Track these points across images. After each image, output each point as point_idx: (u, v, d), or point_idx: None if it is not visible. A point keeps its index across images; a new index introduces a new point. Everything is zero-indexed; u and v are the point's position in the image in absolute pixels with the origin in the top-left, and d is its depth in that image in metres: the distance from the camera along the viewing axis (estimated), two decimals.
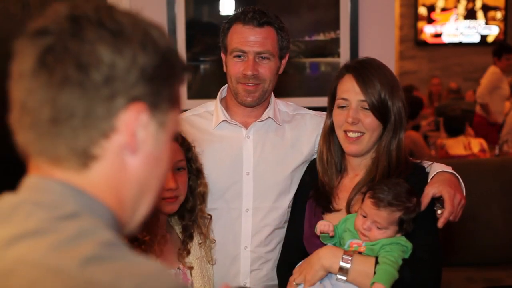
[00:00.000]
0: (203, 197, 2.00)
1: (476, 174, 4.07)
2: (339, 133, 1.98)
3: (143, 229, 1.81)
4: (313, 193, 2.05)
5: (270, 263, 2.19)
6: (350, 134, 1.94)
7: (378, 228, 1.80)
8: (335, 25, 3.60)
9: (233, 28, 2.11)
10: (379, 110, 1.90)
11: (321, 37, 3.64)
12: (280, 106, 2.28)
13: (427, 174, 1.95)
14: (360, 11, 3.59)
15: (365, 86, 1.90)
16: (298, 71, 3.65)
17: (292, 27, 3.63)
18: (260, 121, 2.19)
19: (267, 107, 2.21)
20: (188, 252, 1.95)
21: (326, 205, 2.00)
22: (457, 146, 5.36)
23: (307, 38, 3.64)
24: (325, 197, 2.01)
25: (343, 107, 1.95)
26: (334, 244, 1.88)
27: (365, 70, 1.93)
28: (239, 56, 2.09)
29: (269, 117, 2.19)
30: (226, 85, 2.24)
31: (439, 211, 1.87)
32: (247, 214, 2.15)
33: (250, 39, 2.07)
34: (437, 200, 1.89)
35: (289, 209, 2.18)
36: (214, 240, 2.10)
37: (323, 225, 1.86)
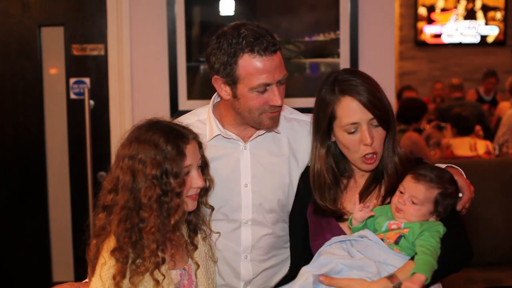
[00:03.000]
0: (206, 191, 1.98)
1: (476, 174, 4.06)
2: (356, 157, 1.93)
3: (173, 230, 1.81)
4: (316, 208, 1.99)
5: (270, 271, 2.17)
6: (368, 156, 1.92)
7: (414, 203, 1.80)
8: (335, 25, 3.60)
9: (246, 62, 1.93)
10: (386, 119, 1.92)
11: (321, 37, 3.63)
12: None
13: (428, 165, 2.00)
14: (360, 11, 3.59)
15: (371, 104, 1.88)
16: (298, 72, 3.65)
17: (292, 27, 3.64)
18: (260, 135, 2.11)
19: None
20: (196, 247, 1.94)
21: (336, 217, 1.97)
22: (463, 147, 5.34)
23: (307, 39, 3.63)
24: (331, 212, 1.96)
25: (353, 131, 1.90)
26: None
27: (360, 88, 1.89)
28: (262, 90, 1.96)
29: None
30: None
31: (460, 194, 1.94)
32: (246, 225, 2.12)
33: (272, 71, 1.94)
34: None
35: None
36: (218, 232, 2.08)
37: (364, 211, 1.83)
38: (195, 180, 1.85)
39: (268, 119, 2.01)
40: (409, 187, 1.82)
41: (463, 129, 5.44)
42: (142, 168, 1.77)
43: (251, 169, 2.10)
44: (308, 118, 2.19)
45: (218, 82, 2.01)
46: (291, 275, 2.00)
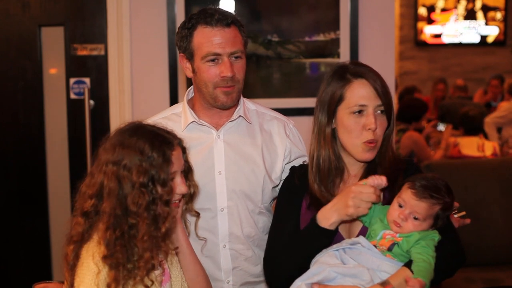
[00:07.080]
0: (191, 197, 1.98)
1: (476, 174, 4.06)
2: (357, 143, 1.92)
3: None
4: (311, 201, 1.97)
5: (250, 260, 2.19)
6: (370, 142, 1.91)
7: (415, 218, 1.78)
8: (335, 25, 3.60)
9: (199, 32, 2.08)
10: (390, 111, 1.94)
11: (321, 37, 3.64)
12: (248, 104, 2.28)
13: (418, 167, 2.02)
14: (360, 11, 3.59)
15: (382, 91, 1.90)
16: (298, 72, 3.65)
17: (292, 27, 3.64)
18: (231, 121, 2.18)
19: (237, 106, 2.20)
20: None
21: None
22: (470, 146, 5.32)
23: (307, 39, 3.64)
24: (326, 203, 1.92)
25: (358, 112, 1.90)
26: (366, 223, 1.85)
27: (374, 75, 1.93)
28: (213, 60, 2.06)
29: (240, 116, 2.19)
30: (192, 87, 2.22)
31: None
32: (222, 214, 2.15)
33: (222, 41, 2.05)
34: None
35: (264, 205, 2.19)
36: (204, 238, 2.11)
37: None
38: (179, 186, 1.83)
39: (222, 94, 2.09)
40: (411, 204, 1.78)
41: (470, 129, 5.44)
42: (127, 175, 1.73)
43: (224, 157, 2.16)
44: (279, 115, 2.30)
45: (182, 60, 2.15)
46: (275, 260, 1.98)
